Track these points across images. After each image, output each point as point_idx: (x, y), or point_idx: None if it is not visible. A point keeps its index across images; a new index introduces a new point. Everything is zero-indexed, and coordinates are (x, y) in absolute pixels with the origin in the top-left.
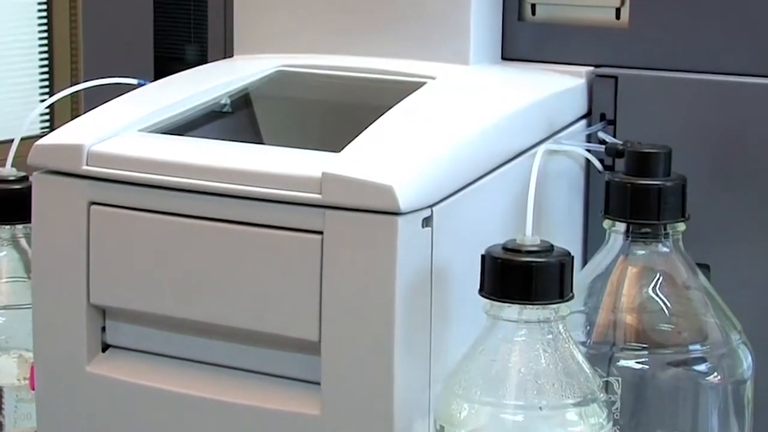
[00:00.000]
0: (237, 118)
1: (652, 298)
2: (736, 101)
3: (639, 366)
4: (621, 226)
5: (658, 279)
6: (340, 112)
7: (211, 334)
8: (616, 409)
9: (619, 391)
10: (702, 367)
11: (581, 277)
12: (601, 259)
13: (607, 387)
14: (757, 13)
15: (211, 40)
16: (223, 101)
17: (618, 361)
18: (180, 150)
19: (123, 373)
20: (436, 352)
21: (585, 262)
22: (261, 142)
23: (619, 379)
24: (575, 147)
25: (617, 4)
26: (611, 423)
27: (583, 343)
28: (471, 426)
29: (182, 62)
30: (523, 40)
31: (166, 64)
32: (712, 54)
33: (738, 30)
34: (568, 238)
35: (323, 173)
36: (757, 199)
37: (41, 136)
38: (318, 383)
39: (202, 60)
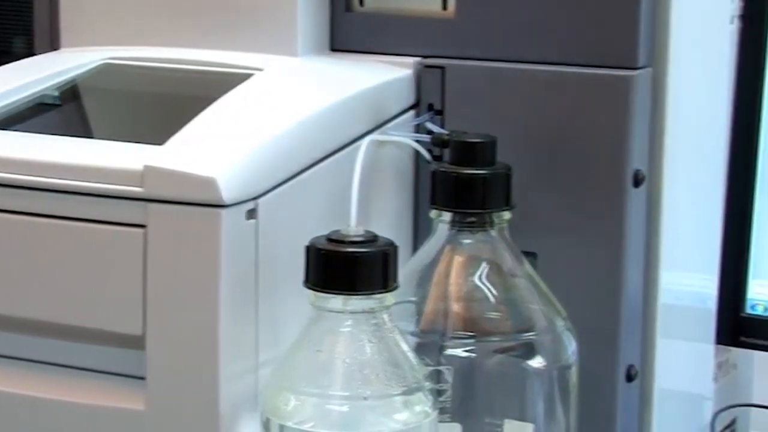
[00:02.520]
0: (64, 111)
1: (479, 286)
2: (561, 91)
3: (466, 354)
4: (447, 216)
5: (485, 268)
6: (167, 104)
7: (34, 330)
8: (448, 397)
9: (450, 380)
10: (528, 354)
11: (410, 267)
12: (429, 249)
13: (439, 376)
14: (578, 3)
15: (38, 33)
16: (49, 94)
17: (446, 350)
18: (1, 144)
19: None
20: (264, 344)
21: (415, 252)
22: (88, 136)
23: (450, 367)
24: (402, 137)
25: None
26: (437, 411)
27: (413, 333)
28: (297, 418)
29: (9, 55)
30: (351, 31)
31: None
32: (536, 44)
33: (561, 21)
34: (397, 228)
35: (145, 166)
36: (582, 187)
37: None
38: (143, 378)
39: (30, 52)
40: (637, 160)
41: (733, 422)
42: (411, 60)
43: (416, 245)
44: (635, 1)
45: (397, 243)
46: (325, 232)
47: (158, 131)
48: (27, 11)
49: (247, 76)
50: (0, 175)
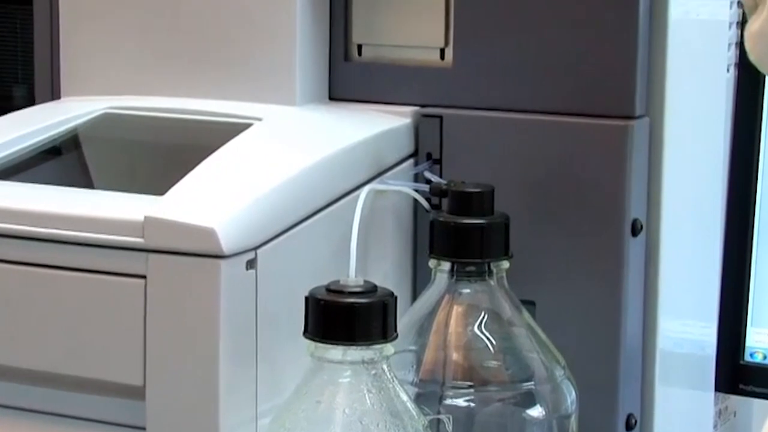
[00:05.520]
0: (64, 161)
1: (478, 335)
2: (558, 140)
3: (466, 403)
4: (446, 265)
5: (484, 317)
6: (167, 154)
7: (35, 380)
8: None
9: (449, 429)
10: (527, 403)
11: (410, 316)
12: (428, 298)
13: (438, 425)
14: (574, 54)
15: (38, 81)
16: (49, 144)
17: (445, 400)
18: (2, 195)
19: None
20: (263, 395)
21: (414, 300)
22: (89, 186)
23: (450, 417)
24: (401, 186)
25: (441, 44)
26: None
27: (412, 383)
28: None
29: (9, 103)
30: (349, 80)
31: None
32: (534, 93)
33: (558, 70)
34: (397, 276)
35: (145, 217)
36: (580, 236)
37: None
38: (143, 428)
39: (30, 101)
40: (635, 209)
41: None
42: (409, 109)
43: (415, 294)
44: (632, 50)
45: (396, 291)
46: (325, 281)
47: (158, 181)
48: (28, 60)
49: (246, 126)
50: (0, 226)
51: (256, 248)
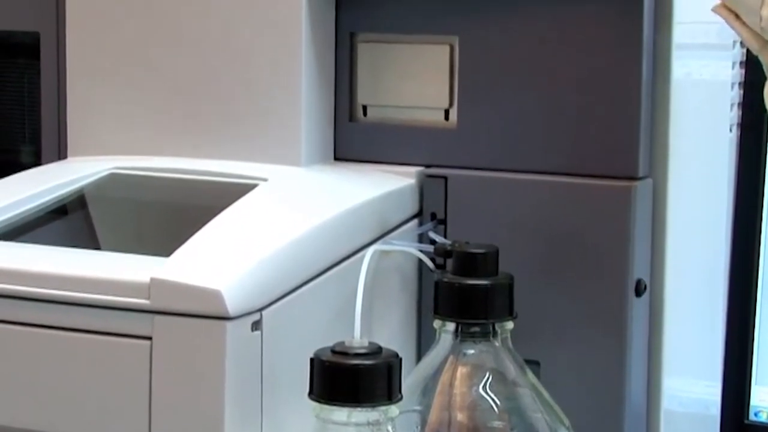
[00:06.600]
0: (70, 221)
1: (483, 396)
2: (562, 201)
3: None
4: (450, 326)
5: (488, 377)
6: (173, 214)
7: None
8: None
9: None
10: None
11: (415, 376)
12: (433, 358)
13: None
14: (578, 115)
15: (45, 141)
16: (55, 204)
17: None
18: (8, 256)
19: None
20: None
21: (419, 360)
22: (95, 246)
23: None
24: (405, 247)
25: (446, 105)
26: None
27: None
28: None
29: (17, 160)
30: (355, 140)
31: None
32: (538, 155)
33: (562, 132)
34: (401, 336)
35: (151, 278)
36: (584, 296)
37: None
38: None
39: (37, 161)
40: (638, 270)
41: None
42: (414, 169)
43: (420, 354)
44: (635, 111)
45: (400, 352)
46: (331, 341)
47: (164, 242)
48: (34, 120)
49: (252, 187)
50: (7, 287)
51: (261, 309)
